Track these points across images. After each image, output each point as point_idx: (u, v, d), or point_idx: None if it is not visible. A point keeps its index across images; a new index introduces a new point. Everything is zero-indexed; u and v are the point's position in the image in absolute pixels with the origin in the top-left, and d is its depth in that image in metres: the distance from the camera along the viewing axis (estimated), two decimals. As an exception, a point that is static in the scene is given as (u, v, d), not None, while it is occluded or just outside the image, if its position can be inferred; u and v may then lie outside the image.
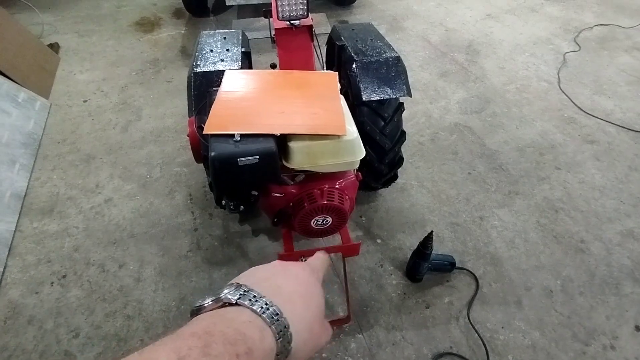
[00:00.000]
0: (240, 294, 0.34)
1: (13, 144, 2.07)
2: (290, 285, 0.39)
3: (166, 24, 3.54)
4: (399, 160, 1.59)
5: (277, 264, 0.42)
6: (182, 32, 3.40)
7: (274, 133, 0.99)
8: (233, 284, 0.36)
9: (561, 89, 2.68)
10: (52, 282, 1.57)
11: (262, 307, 0.33)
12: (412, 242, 1.71)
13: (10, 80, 2.36)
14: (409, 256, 1.57)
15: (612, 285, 1.59)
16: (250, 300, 0.34)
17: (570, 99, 2.59)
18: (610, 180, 2.03)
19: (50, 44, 3.11)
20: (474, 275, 1.59)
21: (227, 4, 2.90)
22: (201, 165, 1.85)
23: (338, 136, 1.01)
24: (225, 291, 0.34)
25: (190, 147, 1.33)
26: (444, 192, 1.96)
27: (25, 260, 1.66)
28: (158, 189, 1.97)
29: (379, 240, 1.73)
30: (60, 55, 3.07)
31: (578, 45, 3.15)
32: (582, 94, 2.64)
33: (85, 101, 2.60)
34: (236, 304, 0.33)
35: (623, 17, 3.53)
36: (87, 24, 3.52)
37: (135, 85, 2.75)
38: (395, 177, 1.72)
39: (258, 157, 0.95)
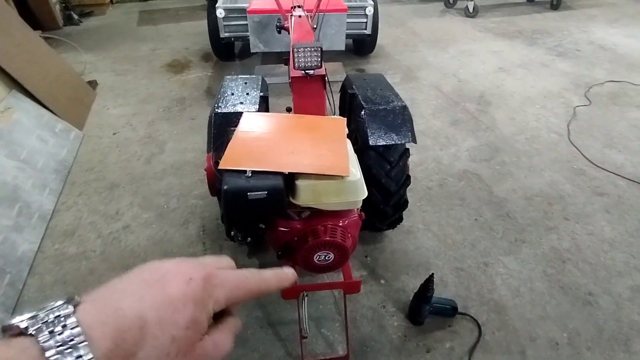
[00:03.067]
0: (40, 317, 0.27)
1: (46, 170, 2.23)
2: (132, 282, 0.32)
3: (195, 66, 3.83)
4: (404, 203, 1.65)
5: (154, 264, 0.35)
6: (209, 74, 3.66)
7: (282, 171, 1.08)
8: (70, 299, 0.29)
9: (571, 141, 2.73)
10: (66, 303, 1.64)
11: (50, 333, 0.26)
12: (415, 285, 1.71)
13: (50, 112, 2.58)
14: (411, 298, 1.59)
15: (622, 341, 1.55)
16: (45, 323, 0.27)
17: (580, 151, 2.62)
18: (621, 234, 2.02)
19: (90, 80, 3.39)
20: (476, 321, 1.58)
21: (251, 51, 3.14)
22: (216, 198, 1.95)
23: (342, 177, 1.09)
24: (29, 314, 0.27)
25: (206, 180, 1.43)
26: (450, 236, 1.98)
27: (43, 280, 1.74)
28: (174, 219, 2.07)
29: (382, 281, 1.75)
30: (97, 91, 3.34)
31: (588, 99, 3.23)
32: (592, 146, 2.68)
33: (114, 134, 2.80)
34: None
35: (634, 75, 3.61)
36: (124, 64, 3.84)
37: (161, 121, 2.95)
38: (400, 219, 1.76)
39: (266, 192, 1.03)
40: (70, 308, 0.28)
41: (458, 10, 5.35)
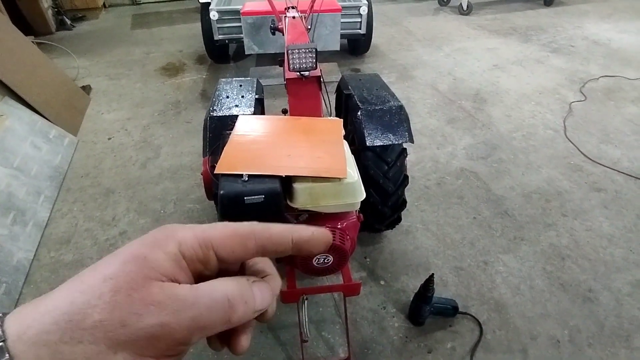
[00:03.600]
0: None
1: (40, 177, 2.21)
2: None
3: (189, 69, 3.81)
4: (402, 203, 1.64)
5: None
6: (204, 76, 3.64)
7: (279, 174, 1.07)
8: None
9: (567, 137, 2.73)
10: (63, 311, 1.62)
11: None
12: (415, 285, 1.71)
13: (44, 118, 2.55)
14: (411, 298, 1.58)
15: (623, 337, 1.54)
16: None
17: (576, 147, 2.63)
18: (619, 229, 2.02)
19: (83, 86, 3.37)
20: (477, 321, 1.57)
21: (246, 53, 3.13)
22: (212, 202, 1.94)
23: (339, 179, 1.08)
24: None
25: (203, 185, 1.42)
26: (449, 235, 1.97)
27: (39, 289, 1.72)
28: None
29: (382, 282, 1.74)
30: (91, 96, 3.31)
31: (584, 95, 3.24)
32: (588, 142, 2.68)
33: (109, 139, 2.78)
34: None
35: (629, 70, 3.63)
36: (118, 68, 3.82)
37: (156, 125, 2.93)
38: (399, 219, 1.76)
39: (263, 196, 1.02)
40: None
41: (452, 8, 5.36)
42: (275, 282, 0.32)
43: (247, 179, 1.05)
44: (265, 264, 0.32)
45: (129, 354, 0.24)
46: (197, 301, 0.26)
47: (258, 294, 0.29)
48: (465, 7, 5.05)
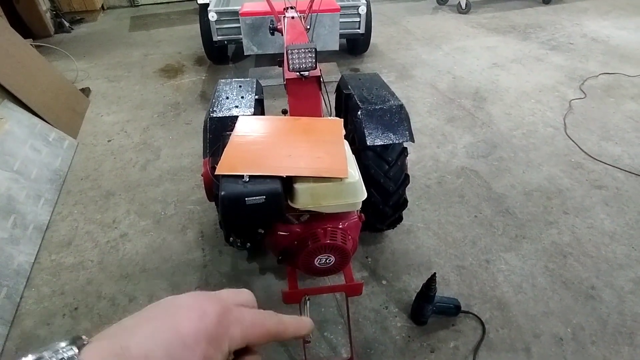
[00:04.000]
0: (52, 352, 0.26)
1: (41, 180, 2.21)
2: (142, 318, 0.31)
3: (188, 70, 3.80)
4: (403, 203, 1.64)
5: (168, 299, 0.33)
6: (203, 78, 3.64)
7: (280, 175, 1.07)
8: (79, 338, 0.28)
9: (567, 135, 2.72)
10: (64, 314, 1.62)
11: None
12: (417, 284, 1.71)
13: (43, 121, 2.55)
14: (413, 298, 1.57)
15: (626, 334, 1.54)
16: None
17: (577, 144, 2.62)
18: (621, 226, 2.01)
19: (83, 88, 3.36)
20: (480, 319, 1.57)
21: (245, 54, 3.12)
22: (213, 203, 1.94)
23: (340, 179, 1.08)
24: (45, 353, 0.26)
25: (203, 186, 1.41)
26: (450, 234, 1.97)
27: (40, 292, 1.72)
28: (171, 226, 2.05)
29: (384, 282, 1.73)
30: (91, 99, 3.31)
31: (583, 92, 3.23)
32: (588, 139, 2.68)
33: (109, 141, 2.77)
34: None
35: (628, 66, 3.62)
36: (117, 71, 3.81)
37: (156, 127, 2.93)
38: (400, 218, 1.75)
39: (264, 197, 1.02)
40: (75, 350, 0.27)
41: (450, 7, 5.35)
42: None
43: (247, 179, 1.04)
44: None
45: None
46: None
47: None
48: (464, 6, 5.05)
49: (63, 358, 0.26)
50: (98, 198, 2.25)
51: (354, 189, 1.10)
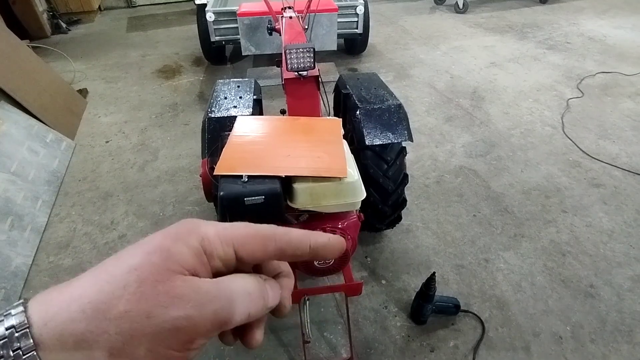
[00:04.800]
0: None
1: (38, 182, 2.20)
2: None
3: (186, 71, 3.80)
4: (402, 202, 1.64)
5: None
6: (201, 78, 3.63)
7: (279, 175, 1.06)
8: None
9: (565, 134, 2.73)
10: (63, 316, 1.61)
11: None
12: (416, 284, 1.71)
13: (41, 123, 2.54)
14: (413, 298, 1.57)
15: (625, 332, 1.54)
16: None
17: (574, 143, 2.63)
18: (619, 224, 2.02)
19: (80, 89, 3.35)
20: (479, 318, 1.57)
21: (243, 54, 3.12)
22: (212, 204, 1.93)
23: (340, 178, 1.07)
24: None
25: (202, 187, 1.41)
26: (449, 234, 1.97)
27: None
28: (170, 227, 2.04)
29: (383, 281, 1.73)
30: (88, 100, 3.30)
31: (581, 91, 3.24)
32: (586, 138, 2.68)
33: (107, 142, 2.76)
34: None
35: (625, 65, 3.64)
36: (115, 71, 3.80)
37: (154, 128, 2.92)
38: (399, 218, 1.75)
39: (263, 197, 1.02)
40: (21, 307, 0.24)
41: (447, 7, 5.36)
42: (289, 281, 0.33)
43: (246, 179, 1.04)
44: (280, 263, 0.33)
45: (152, 346, 0.24)
46: (219, 295, 0.26)
47: (269, 291, 0.30)
48: (461, 6, 5.06)
49: (8, 311, 0.24)
50: (96, 199, 2.24)
51: (353, 188, 1.10)
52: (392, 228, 1.88)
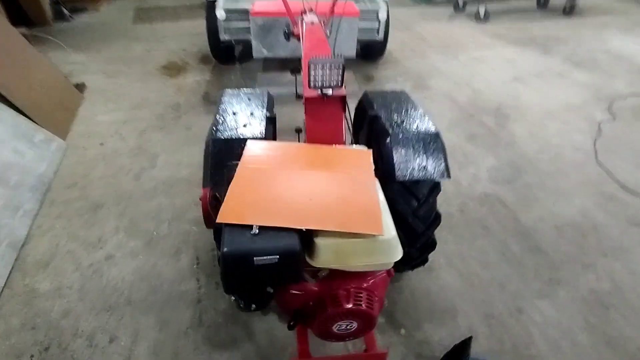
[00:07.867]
0: None
1: (21, 188, 1.99)
2: None
3: (192, 69, 3.58)
4: (432, 244, 1.42)
5: None
6: (207, 78, 3.41)
7: (299, 227, 0.85)
8: None
9: (598, 162, 2.52)
10: (32, 355, 1.40)
11: None
12: (441, 336, 1.50)
13: (29, 120, 2.32)
14: (437, 353, 1.36)
15: (682, 411, 1.33)
16: None
17: (609, 173, 2.41)
18: (664, 273, 1.81)
19: (77, 83, 3.13)
20: (515, 385, 1.36)
21: (254, 57, 2.90)
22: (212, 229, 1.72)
23: (373, 235, 0.86)
24: None
25: (202, 212, 1.20)
26: (476, 274, 1.76)
27: (8, 324, 1.50)
28: (164, 249, 1.83)
29: (402, 331, 1.52)
30: (86, 95, 3.08)
31: (612, 115, 3.03)
32: (621, 168, 2.47)
33: (101, 144, 2.55)
34: None
35: (657, 88, 3.42)
36: (117, 65, 3.58)
37: (154, 130, 2.71)
38: (426, 260, 1.54)
39: (278, 256, 0.80)
40: None
41: (467, 15, 5.14)
42: None
43: (257, 231, 0.83)
44: None
45: None
46: None
47: None
48: (482, 15, 4.83)
49: None
50: (84, 211, 2.03)
51: (388, 247, 0.89)
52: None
